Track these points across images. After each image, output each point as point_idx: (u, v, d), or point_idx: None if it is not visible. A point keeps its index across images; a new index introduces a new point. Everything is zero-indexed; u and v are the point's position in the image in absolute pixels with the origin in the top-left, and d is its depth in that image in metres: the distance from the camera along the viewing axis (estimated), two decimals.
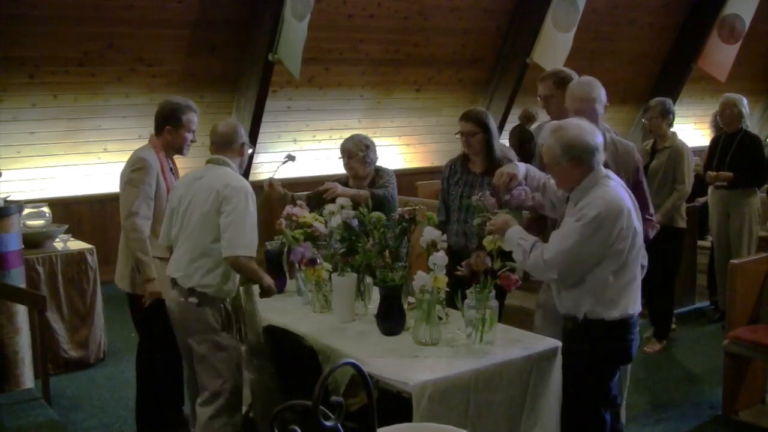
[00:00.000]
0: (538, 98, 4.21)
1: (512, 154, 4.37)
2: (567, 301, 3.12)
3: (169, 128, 4.02)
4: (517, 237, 3.11)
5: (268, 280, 3.59)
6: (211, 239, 3.42)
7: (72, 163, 8.00)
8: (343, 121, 9.66)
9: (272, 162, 9.36)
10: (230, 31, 8.33)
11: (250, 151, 3.82)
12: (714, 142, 6.18)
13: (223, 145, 3.64)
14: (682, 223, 5.55)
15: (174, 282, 3.51)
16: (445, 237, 3.36)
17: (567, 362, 3.17)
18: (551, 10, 9.84)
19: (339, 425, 1.61)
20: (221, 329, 3.49)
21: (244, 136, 3.70)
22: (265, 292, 3.61)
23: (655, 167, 5.54)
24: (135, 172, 3.91)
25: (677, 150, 5.53)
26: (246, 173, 8.91)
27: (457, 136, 4.28)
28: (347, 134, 10.29)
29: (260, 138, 8.82)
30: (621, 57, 11.50)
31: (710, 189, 6.07)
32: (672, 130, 5.65)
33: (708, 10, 11.43)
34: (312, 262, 3.67)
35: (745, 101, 5.98)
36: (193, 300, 3.43)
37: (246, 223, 3.37)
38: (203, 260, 3.43)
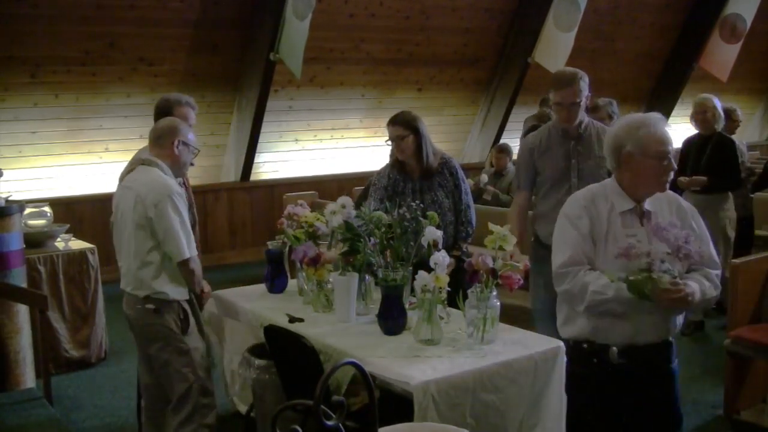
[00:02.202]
0: (576, 100, 3.90)
1: (448, 155, 4.24)
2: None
3: None
4: (701, 293, 2.68)
5: (204, 286, 3.62)
6: (147, 249, 3.36)
7: (73, 163, 8.01)
8: (344, 120, 9.66)
9: (274, 162, 9.37)
10: (232, 31, 8.33)
11: (196, 153, 3.61)
12: (686, 145, 5.91)
13: (153, 140, 3.49)
14: None
15: (128, 293, 3.47)
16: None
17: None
18: (552, 10, 9.84)
19: (340, 425, 1.61)
20: (182, 332, 3.45)
21: (180, 135, 3.46)
22: (200, 298, 3.63)
23: None
24: (129, 173, 3.88)
25: None
26: (247, 173, 8.96)
27: (388, 143, 4.16)
28: (349, 134, 10.32)
29: (261, 138, 8.82)
30: (622, 57, 11.49)
31: (684, 194, 5.82)
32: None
33: (709, 9, 11.43)
34: (315, 260, 3.66)
35: (719, 103, 5.72)
36: (150, 306, 3.38)
37: (176, 227, 3.32)
38: (146, 270, 3.38)
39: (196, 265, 3.45)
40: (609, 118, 5.44)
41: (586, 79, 3.96)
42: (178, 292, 3.45)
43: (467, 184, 4.24)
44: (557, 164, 4.00)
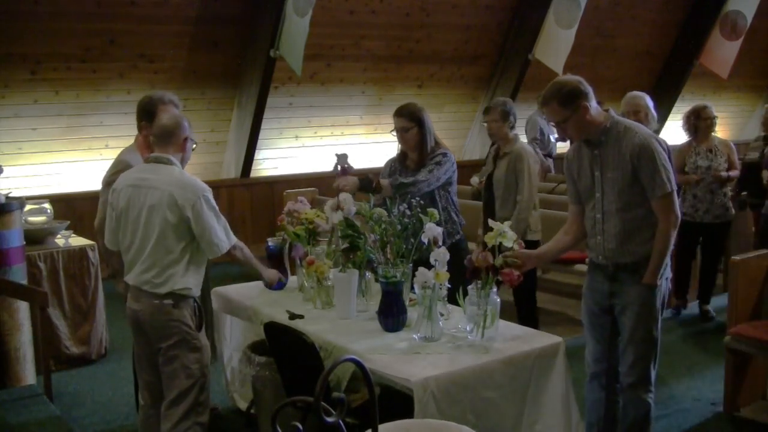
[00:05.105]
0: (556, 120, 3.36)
1: (445, 150, 4.19)
2: None
3: (144, 123, 3.98)
4: None
5: (268, 273, 3.78)
6: (181, 247, 3.33)
7: (74, 160, 8.01)
8: (344, 117, 9.66)
9: (274, 158, 9.38)
10: (232, 28, 8.33)
11: (194, 147, 3.61)
12: None
13: (164, 138, 3.44)
14: (534, 235, 4.92)
15: (144, 290, 3.39)
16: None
17: None
18: (553, 7, 9.83)
19: (341, 421, 1.62)
20: (196, 329, 3.44)
21: (187, 131, 3.48)
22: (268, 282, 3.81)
23: (498, 177, 5.02)
24: (115, 175, 3.81)
25: (517, 156, 4.92)
26: (247, 170, 8.96)
27: (393, 133, 4.20)
28: (349, 131, 10.29)
29: (262, 134, 8.82)
30: (623, 54, 11.48)
31: None
32: (514, 133, 5.06)
33: (710, 6, 11.42)
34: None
35: (651, 101, 5.20)
36: (168, 302, 3.34)
37: (213, 224, 3.33)
38: (175, 267, 3.34)
39: (240, 249, 3.48)
40: (502, 120, 5.03)
41: (568, 90, 3.29)
42: (198, 289, 3.46)
43: (440, 172, 4.11)
44: (585, 177, 3.44)
